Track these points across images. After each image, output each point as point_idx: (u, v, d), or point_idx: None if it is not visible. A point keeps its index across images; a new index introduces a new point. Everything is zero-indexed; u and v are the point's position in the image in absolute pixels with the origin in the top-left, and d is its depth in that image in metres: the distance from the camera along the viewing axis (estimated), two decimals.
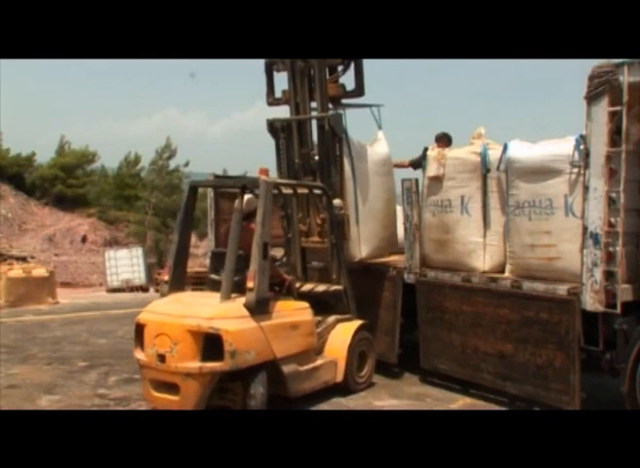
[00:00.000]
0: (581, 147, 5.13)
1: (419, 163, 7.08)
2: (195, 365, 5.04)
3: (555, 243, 5.47)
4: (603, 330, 5.04)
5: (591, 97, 4.92)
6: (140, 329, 5.44)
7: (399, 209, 7.29)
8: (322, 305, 6.39)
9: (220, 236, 7.54)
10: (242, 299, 5.34)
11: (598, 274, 4.94)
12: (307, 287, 6.71)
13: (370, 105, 7.43)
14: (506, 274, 5.98)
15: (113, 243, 29.83)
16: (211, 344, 5.04)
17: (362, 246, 7.01)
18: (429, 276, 6.57)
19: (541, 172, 5.53)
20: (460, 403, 6.07)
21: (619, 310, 4.89)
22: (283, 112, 7.24)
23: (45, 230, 29.98)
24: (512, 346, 5.65)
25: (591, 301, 4.99)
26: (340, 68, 7.26)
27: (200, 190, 6.56)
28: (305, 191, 6.65)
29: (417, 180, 6.70)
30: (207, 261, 8.95)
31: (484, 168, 6.19)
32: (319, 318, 6.26)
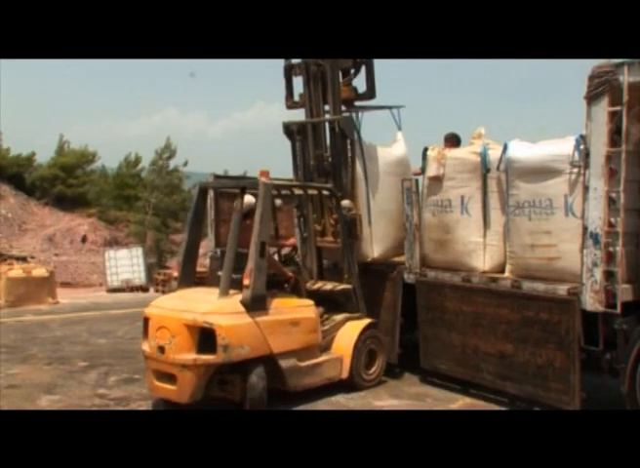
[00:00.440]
0: (581, 147, 5.13)
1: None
2: (191, 357, 5.31)
3: (555, 243, 5.47)
4: (603, 330, 5.04)
5: (591, 97, 4.92)
6: (145, 322, 5.77)
7: None
8: (334, 304, 6.62)
9: (222, 236, 7.62)
10: (239, 296, 5.54)
11: (598, 274, 4.94)
12: (318, 285, 6.85)
13: (390, 107, 7.50)
14: (506, 274, 5.98)
15: (113, 243, 29.82)
16: (206, 338, 5.29)
17: (374, 246, 7.08)
18: (429, 276, 6.57)
19: (541, 172, 5.53)
20: (460, 403, 6.07)
21: (619, 310, 4.89)
22: (300, 115, 7.40)
23: (45, 230, 29.98)
24: (512, 346, 5.65)
25: (591, 301, 4.99)
26: (352, 71, 7.31)
27: None
28: (315, 192, 6.83)
29: (417, 180, 6.71)
30: (207, 261, 8.98)
31: (484, 168, 6.19)
32: (328, 316, 6.46)
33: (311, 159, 7.09)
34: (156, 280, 19.37)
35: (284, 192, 6.85)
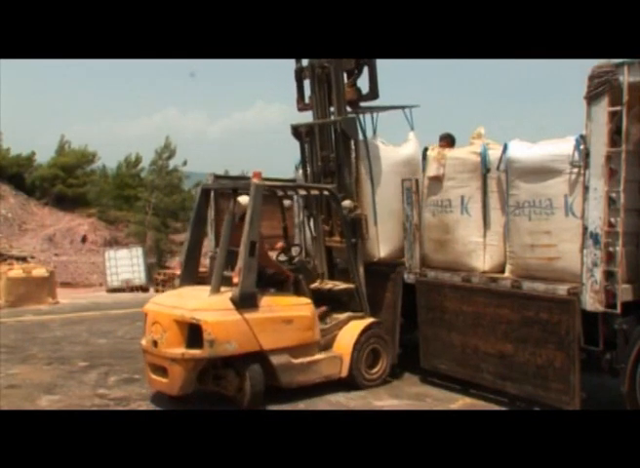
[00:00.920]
0: (581, 147, 5.13)
1: None
2: (179, 351, 5.54)
3: (555, 243, 5.47)
4: (603, 330, 5.04)
5: (591, 97, 4.92)
6: (145, 317, 6.03)
7: None
8: (340, 303, 6.71)
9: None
10: (230, 294, 5.71)
11: (598, 274, 4.94)
12: (322, 285, 6.90)
13: (403, 107, 7.51)
14: (506, 274, 5.98)
15: (113, 243, 29.82)
16: (194, 333, 5.51)
17: (381, 246, 7.10)
18: (429, 276, 6.57)
19: (541, 172, 5.52)
20: (460, 403, 6.07)
21: (619, 310, 4.89)
22: (308, 117, 7.44)
23: (45, 230, 29.98)
24: (512, 346, 5.65)
25: (591, 301, 4.99)
26: (354, 72, 7.33)
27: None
28: (317, 192, 6.91)
29: (417, 180, 6.71)
30: (207, 261, 9.02)
31: (484, 168, 6.19)
32: (331, 314, 6.55)
33: (318, 160, 7.14)
34: (156, 280, 19.38)
35: (290, 192, 7.10)
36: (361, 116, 7.36)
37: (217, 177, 8.80)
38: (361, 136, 7.08)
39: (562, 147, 5.42)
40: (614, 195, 4.88)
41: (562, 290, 5.27)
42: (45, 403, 6.01)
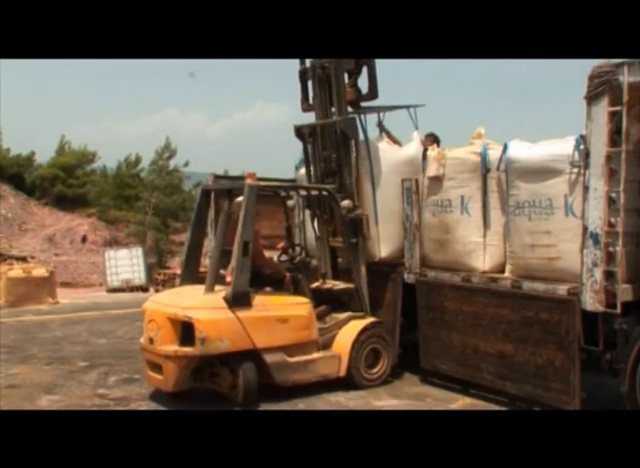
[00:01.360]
0: (581, 147, 5.13)
1: None
2: (172, 348, 5.66)
3: (555, 243, 5.47)
4: (603, 330, 5.04)
5: (591, 97, 4.92)
6: (143, 315, 6.13)
7: None
8: (341, 303, 6.75)
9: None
10: (223, 293, 5.78)
11: (598, 274, 4.94)
12: (322, 284, 6.93)
13: (408, 106, 7.53)
14: (506, 274, 5.98)
15: (113, 243, 29.79)
16: (187, 331, 5.60)
17: (382, 246, 7.10)
18: (429, 276, 6.57)
19: (541, 172, 5.52)
20: (460, 403, 6.07)
21: (619, 310, 4.89)
22: (310, 118, 7.46)
23: (45, 230, 29.96)
24: (512, 346, 5.65)
25: (591, 301, 4.99)
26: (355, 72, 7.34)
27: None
28: (316, 193, 6.96)
29: (417, 180, 6.71)
30: (207, 261, 9.04)
31: (484, 168, 6.19)
32: (331, 314, 6.59)
33: (321, 161, 7.18)
34: (156, 280, 19.34)
35: (292, 192, 7.20)
36: (364, 116, 7.37)
37: (216, 178, 8.80)
38: (362, 137, 7.09)
39: (562, 147, 5.42)
40: (614, 195, 4.88)
41: (562, 290, 5.27)
42: (45, 403, 6.01)
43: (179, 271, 6.60)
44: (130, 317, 10.78)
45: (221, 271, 6.07)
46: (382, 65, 7.08)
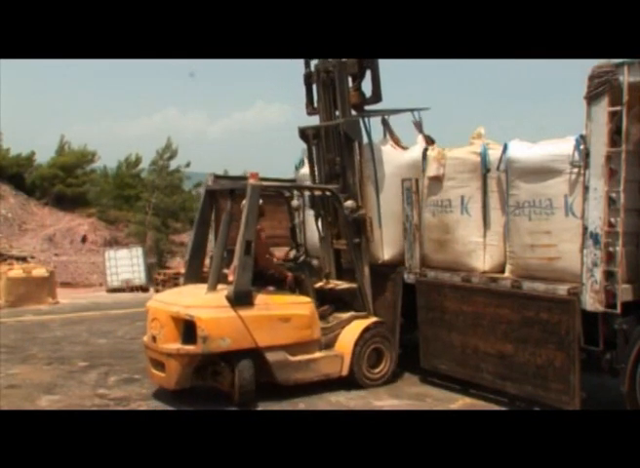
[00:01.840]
0: (581, 147, 5.13)
1: None
2: (175, 346, 5.72)
3: (555, 243, 5.47)
4: (603, 330, 5.04)
5: (591, 97, 4.92)
6: (146, 314, 6.23)
7: None
8: (344, 303, 6.79)
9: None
10: (226, 291, 5.83)
11: (598, 274, 4.94)
12: (324, 284, 6.97)
13: (412, 110, 7.53)
14: (506, 274, 5.98)
15: (113, 243, 29.76)
16: (190, 329, 5.66)
17: (385, 248, 7.10)
18: (429, 276, 6.57)
19: (541, 172, 5.52)
20: (460, 403, 6.07)
21: (619, 310, 4.89)
22: (315, 121, 7.49)
23: (45, 230, 29.93)
24: (512, 346, 5.65)
25: (591, 301, 4.99)
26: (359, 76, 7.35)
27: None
28: (319, 193, 7.04)
29: (417, 180, 6.70)
30: (207, 261, 9.04)
31: (484, 168, 6.19)
32: (334, 314, 6.62)
33: (324, 163, 7.21)
34: (156, 280, 19.33)
35: (296, 193, 7.31)
36: (368, 119, 7.37)
37: (217, 178, 8.81)
38: (366, 140, 7.13)
39: (562, 147, 5.42)
40: (614, 195, 4.88)
41: (562, 290, 5.27)
42: (45, 403, 6.02)
43: (179, 271, 6.66)
44: (130, 317, 10.79)
45: (224, 270, 6.12)
46: (382, 65, 7.09)
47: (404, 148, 7.36)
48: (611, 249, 4.90)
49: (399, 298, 6.81)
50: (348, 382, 6.36)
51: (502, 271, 6.08)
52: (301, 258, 6.87)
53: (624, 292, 4.91)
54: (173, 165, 34.25)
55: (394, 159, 7.19)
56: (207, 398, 5.89)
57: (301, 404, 5.91)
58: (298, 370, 6.06)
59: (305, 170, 8.16)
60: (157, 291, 18.24)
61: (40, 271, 13.95)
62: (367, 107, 7.33)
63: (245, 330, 5.76)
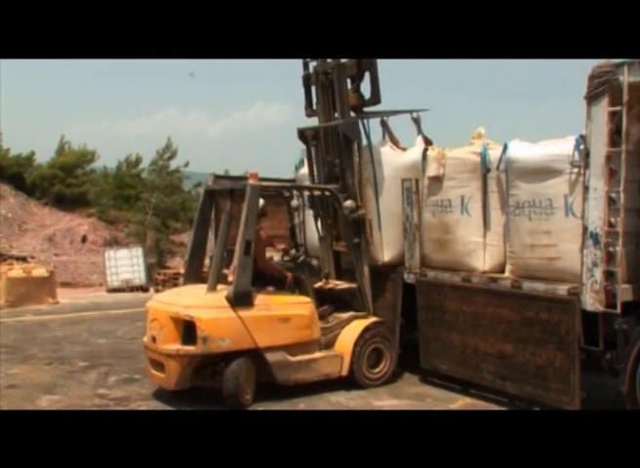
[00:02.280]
0: (581, 147, 5.13)
1: None
2: (175, 347, 5.72)
3: (555, 243, 5.47)
4: (603, 330, 5.04)
5: (591, 97, 4.92)
6: (146, 315, 6.24)
7: None
8: (344, 303, 6.79)
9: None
10: (225, 292, 5.82)
11: (598, 274, 4.94)
12: (324, 284, 6.98)
13: (411, 111, 7.54)
14: (506, 274, 5.98)
15: (113, 243, 29.75)
16: (189, 330, 5.66)
17: (384, 250, 7.10)
18: (429, 276, 6.57)
19: (541, 172, 5.52)
20: (460, 403, 6.07)
21: (619, 310, 4.89)
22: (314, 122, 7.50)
23: (45, 230, 29.93)
24: (512, 346, 5.65)
25: (591, 301, 4.99)
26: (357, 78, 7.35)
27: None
28: (318, 193, 7.04)
29: (417, 180, 6.70)
30: (207, 261, 9.06)
31: (484, 168, 6.18)
32: (334, 314, 6.62)
33: (324, 164, 7.20)
34: (156, 280, 19.33)
35: (296, 193, 7.32)
36: (367, 121, 7.37)
37: (217, 178, 8.82)
38: (365, 141, 7.13)
39: (562, 147, 5.42)
40: (614, 195, 4.88)
41: (562, 290, 5.27)
42: (45, 403, 6.02)
43: (179, 271, 6.67)
44: (130, 317, 10.79)
45: (224, 270, 6.11)
46: (382, 65, 7.09)
47: (403, 150, 7.36)
48: (611, 249, 4.90)
49: (399, 298, 6.81)
50: (348, 382, 6.36)
51: (502, 271, 6.08)
52: (301, 258, 6.88)
53: (624, 292, 4.91)
54: (173, 165, 34.26)
55: (393, 160, 7.18)
56: (207, 398, 5.88)
57: (301, 404, 5.91)
58: (297, 370, 6.07)
59: (305, 170, 8.17)
60: (157, 291, 18.25)
61: (40, 271, 13.96)
62: (366, 109, 7.33)
63: (245, 330, 5.76)
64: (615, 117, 4.84)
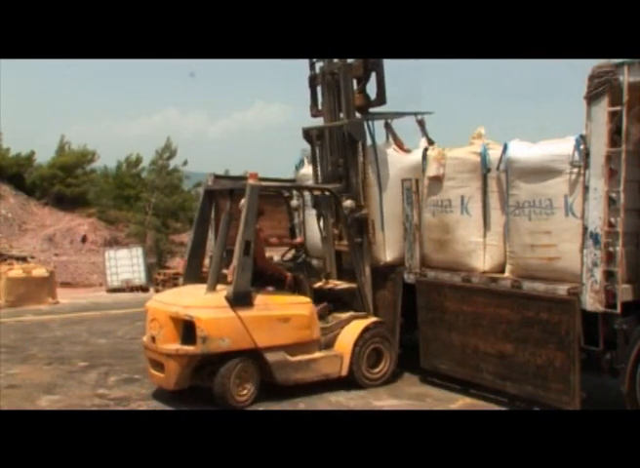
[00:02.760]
0: (581, 147, 5.13)
1: None
2: (174, 347, 5.73)
3: (555, 243, 5.47)
4: (603, 330, 5.04)
5: (591, 97, 4.92)
6: (146, 315, 6.24)
7: None
8: (344, 303, 6.79)
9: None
10: (225, 292, 5.83)
11: (598, 274, 4.94)
12: (325, 285, 6.98)
13: (416, 113, 7.56)
14: (506, 274, 5.98)
15: (113, 243, 29.75)
16: (189, 330, 5.67)
17: (387, 250, 7.11)
18: (429, 276, 6.57)
19: (541, 172, 5.52)
20: (460, 403, 6.07)
21: (619, 310, 4.89)
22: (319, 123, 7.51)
23: (45, 230, 29.92)
24: (512, 346, 5.65)
25: (591, 301, 4.99)
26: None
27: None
28: (319, 193, 7.06)
29: (417, 180, 6.71)
30: (206, 261, 9.07)
31: (484, 168, 6.19)
32: (334, 314, 6.62)
33: (328, 164, 7.22)
34: (156, 280, 19.33)
35: (295, 193, 7.33)
36: (372, 122, 7.38)
37: (217, 178, 8.82)
38: (369, 142, 7.13)
39: (562, 147, 5.42)
40: (614, 195, 4.88)
41: (562, 290, 5.27)
42: (45, 403, 6.02)
43: (179, 271, 6.67)
44: (130, 317, 10.78)
45: (224, 270, 6.11)
46: (387, 67, 7.10)
47: (407, 151, 7.36)
48: (611, 249, 4.90)
49: (399, 298, 6.81)
50: (348, 382, 6.36)
51: (502, 271, 6.08)
52: (301, 258, 6.88)
53: (624, 292, 4.91)
54: (172, 165, 34.27)
55: (397, 162, 7.20)
56: (206, 398, 5.88)
57: (301, 404, 5.91)
58: (297, 370, 6.07)
59: (305, 170, 8.18)
60: (157, 290, 18.25)
61: (40, 271, 13.96)
62: (371, 110, 7.34)
63: (244, 330, 5.77)
64: (615, 117, 4.84)
